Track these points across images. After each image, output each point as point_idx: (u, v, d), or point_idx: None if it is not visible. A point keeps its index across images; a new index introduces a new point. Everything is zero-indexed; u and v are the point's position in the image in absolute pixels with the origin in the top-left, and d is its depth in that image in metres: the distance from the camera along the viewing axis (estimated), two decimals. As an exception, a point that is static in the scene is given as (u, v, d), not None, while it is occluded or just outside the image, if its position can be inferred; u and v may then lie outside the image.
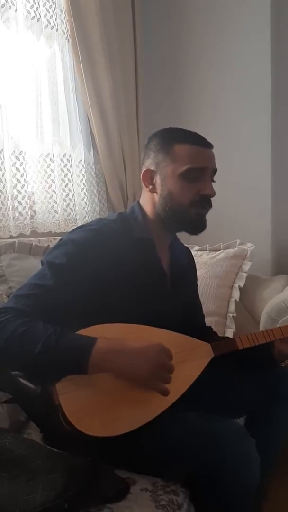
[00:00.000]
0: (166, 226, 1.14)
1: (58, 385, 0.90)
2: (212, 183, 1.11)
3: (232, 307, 1.81)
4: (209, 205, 1.10)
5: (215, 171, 1.12)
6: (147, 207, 1.15)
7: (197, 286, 1.38)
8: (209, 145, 1.10)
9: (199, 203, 1.08)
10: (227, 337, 1.46)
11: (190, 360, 1.03)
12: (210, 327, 1.36)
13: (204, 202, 1.09)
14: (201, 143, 1.09)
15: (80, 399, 0.91)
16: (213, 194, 1.09)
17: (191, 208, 1.08)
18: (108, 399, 0.92)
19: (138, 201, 1.19)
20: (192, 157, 1.07)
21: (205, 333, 1.11)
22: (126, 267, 1.05)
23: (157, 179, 1.11)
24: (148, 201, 1.15)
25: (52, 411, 0.90)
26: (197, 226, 1.11)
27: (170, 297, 1.16)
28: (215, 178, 1.12)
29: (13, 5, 1.71)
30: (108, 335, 0.94)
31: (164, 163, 1.09)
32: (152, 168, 1.11)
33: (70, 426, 0.89)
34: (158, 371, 0.92)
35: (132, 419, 0.93)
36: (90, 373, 0.90)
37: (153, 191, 1.12)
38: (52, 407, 0.90)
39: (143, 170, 1.13)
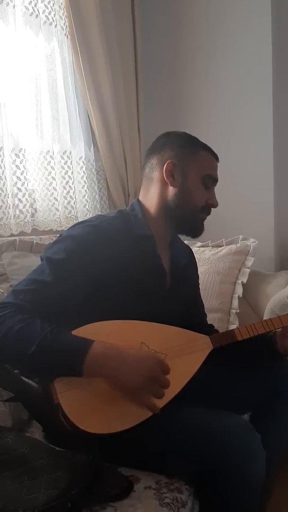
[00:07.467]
0: (170, 223, 1.15)
1: (56, 384, 0.89)
2: None
3: (235, 303, 1.81)
4: (209, 213, 1.17)
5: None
6: (153, 201, 1.14)
7: (198, 285, 1.36)
8: (218, 160, 1.18)
9: (206, 209, 1.15)
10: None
11: (189, 354, 1.02)
12: (212, 325, 1.35)
13: (209, 210, 1.16)
14: (217, 157, 1.17)
15: (80, 397, 0.90)
16: (217, 205, 1.16)
17: (200, 212, 1.14)
18: (107, 396, 0.91)
19: (138, 198, 1.18)
20: (211, 166, 1.15)
21: (207, 332, 1.11)
22: (125, 264, 1.04)
23: (178, 174, 1.12)
24: (158, 193, 1.13)
25: (52, 409, 0.89)
26: (199, 229, 1.17)
27: (170, 295, 1.15)
28: None
29: (11, 1, 1.70)
30: (105, 332, 0.93)
31: (188, 160, 1.12)
32: (175, 162, 1.12)
33: (71, 424, 0.88)
34: (150, 385, 0.90)
35: (132, 415, 0.92)
36: (84, 376, 0.89)
37: (172, 184, 1.12)
38: (52, 405, 0.89)
39: (167, 161, 1.11)
